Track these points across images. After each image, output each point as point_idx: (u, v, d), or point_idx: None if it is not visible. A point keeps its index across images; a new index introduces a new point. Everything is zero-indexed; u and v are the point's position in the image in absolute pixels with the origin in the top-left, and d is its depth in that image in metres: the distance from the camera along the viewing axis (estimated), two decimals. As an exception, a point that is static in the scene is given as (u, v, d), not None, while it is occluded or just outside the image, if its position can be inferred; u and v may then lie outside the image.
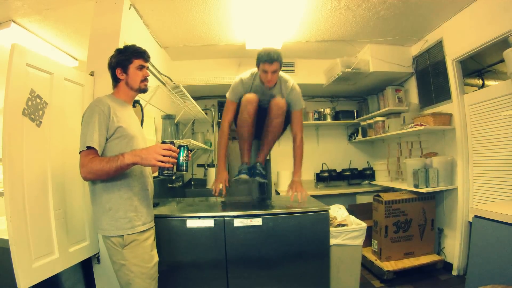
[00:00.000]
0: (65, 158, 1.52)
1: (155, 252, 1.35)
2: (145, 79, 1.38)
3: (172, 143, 1.25)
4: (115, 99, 1.33)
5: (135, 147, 1.28)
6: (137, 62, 1.35)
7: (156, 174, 1.35)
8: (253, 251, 1.62)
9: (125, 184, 1.25)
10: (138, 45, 1.40)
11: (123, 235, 1.22)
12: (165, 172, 1.24)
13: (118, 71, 1.34)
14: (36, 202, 1.33)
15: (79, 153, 1.18)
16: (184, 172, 1.29)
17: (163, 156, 1.17)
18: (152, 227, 1.37)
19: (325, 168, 3.73)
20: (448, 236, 2.65)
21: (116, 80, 1.37)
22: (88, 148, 1.16)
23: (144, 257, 1.26)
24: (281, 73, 1.88)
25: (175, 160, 1.24)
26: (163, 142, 1.23)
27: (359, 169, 3.81)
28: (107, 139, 1.22)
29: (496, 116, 2.14)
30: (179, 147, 1.30)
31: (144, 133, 1.49)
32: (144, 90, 1.40)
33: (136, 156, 1.16)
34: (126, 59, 1.33)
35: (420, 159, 2.71)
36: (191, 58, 3.21)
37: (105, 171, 1.14)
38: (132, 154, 1.17)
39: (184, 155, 1.30)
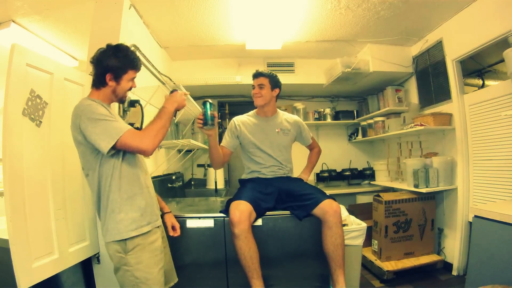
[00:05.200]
0: (65, 158, 1.52)
1: (163, 255, 1.28)
2: (129, 89, 1.31)
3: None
4: (96, 101, 1.22)
5: None
6: (131, 74, 1.27)
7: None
8: (253, 251, 1.61)
9: (124, 184, 1.19)
10: (138, 45, 1.39)
11: (126, 240, 1.16)
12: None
13: (108, 77, 1.21)
14: (36, 202, 1.33)
15: (114, 146, 1.09)
16: (212, 127, 1.45)
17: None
18: (159, 226, 1.31)
19: (325, 168, 3.73)
20: (448, 236, 2.65)
21: (101, 83, 1.23)
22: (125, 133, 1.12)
23: (150, 262, 1.19)
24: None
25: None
26: (174, 90, 1.31)
27: (359, 169, 3.81)
28: None
29: (496, 116, 2.13)
30: (204, 103, 1.43)
31: None
32: (123, 101, 1.34)
33: (174, 102, 1.24)
34: (121, 68, 1.22)
35: (420, 159, 2.70)
36: (191, 58, 3.20)
37: (161, 126, 1.19)
38: (169, 103, 1.24)
39: (210, 110, 1.43)
